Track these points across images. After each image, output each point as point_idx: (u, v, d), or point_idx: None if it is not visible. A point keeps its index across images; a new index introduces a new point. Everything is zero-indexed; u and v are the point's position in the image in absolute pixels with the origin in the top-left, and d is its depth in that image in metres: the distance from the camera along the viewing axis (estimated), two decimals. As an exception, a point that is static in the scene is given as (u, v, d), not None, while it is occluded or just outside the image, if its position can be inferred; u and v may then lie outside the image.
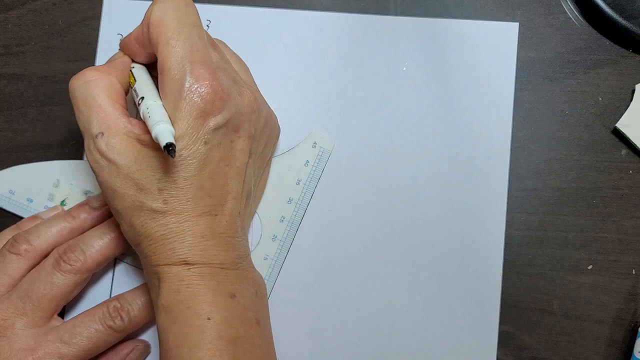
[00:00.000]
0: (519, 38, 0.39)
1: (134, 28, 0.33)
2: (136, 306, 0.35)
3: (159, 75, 0.30)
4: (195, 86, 0.29)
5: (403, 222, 0.38)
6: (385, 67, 0.39)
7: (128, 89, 0.33)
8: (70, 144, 0.40)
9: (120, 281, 0.38)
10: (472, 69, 0.39)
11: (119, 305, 0.34)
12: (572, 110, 0.39)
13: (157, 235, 0.30)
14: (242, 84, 0.32)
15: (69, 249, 0.34)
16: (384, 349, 0.37)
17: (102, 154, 0.30)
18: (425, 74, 0.39)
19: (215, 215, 0.31)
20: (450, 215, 0.38)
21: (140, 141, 0.30)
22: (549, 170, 0.38)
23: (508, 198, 0.38)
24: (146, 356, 0.37)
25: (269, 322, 0.33)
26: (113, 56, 0.35)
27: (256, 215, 0.38)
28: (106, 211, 0.37)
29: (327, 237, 0.38)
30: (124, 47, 0.34)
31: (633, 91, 0.38)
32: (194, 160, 0.30)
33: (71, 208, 0.37)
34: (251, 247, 0.37)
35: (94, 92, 0.31)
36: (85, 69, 0.32)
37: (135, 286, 0.36)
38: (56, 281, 0.33)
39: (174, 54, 0.29)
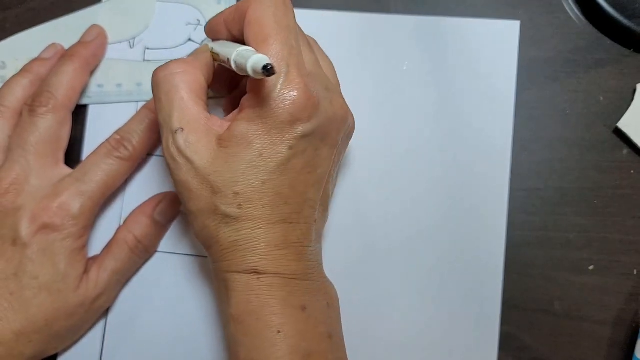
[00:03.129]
0: (520, 37, 0.39)
1: (224, 10, 0.32)
2: (136, 135, 0.36)
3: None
4: (288, 90, 0.28)
5: (403, 221, 0.38)
6: (386, 65, 0.39)
7: (210, 84, 0.33)
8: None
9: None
10: (473, 68, 0.39)
11: (119, 137, 0.36)
12: (573, 110, 0.39)
13: (229, 241, 0.30)
14: (333, 91, 0.32)
15: (37, 95, 0.35)
16: (384, 349, 0.37)
17: (180, 150, 0.29)
18: (425, 73, 0.39)
19: (291, 223, 0.30)
20: (450, 215, 0.38)
21: (219, 141, 0.29)
22: (550, 170, 0.38)
23: (509, 198, 0.37)
24: (179, 207, 0.38)
25: (342, 335, 0.32)
26: (197, 50, 0.34)
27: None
28: (58, 53, 0.38)
29: (325, 237, 0.38)
30: (211, 29, 0.33)
31: (634, 91, 0.38)
32: (274, 163, 0.29)
33: (25, 65, 0.38)
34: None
35: (178, 85, 0.30)
36: (171, 61, 0.31)
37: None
38: (40, 125, 0.35)
39: (271, 54, 0.29)
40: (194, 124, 0.30)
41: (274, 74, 0.26)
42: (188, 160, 0.29)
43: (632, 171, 0.38)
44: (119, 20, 0.40)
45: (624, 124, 0.38)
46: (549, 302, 0.37)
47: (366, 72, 0.39)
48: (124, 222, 0.37)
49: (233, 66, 0.29)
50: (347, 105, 0.33)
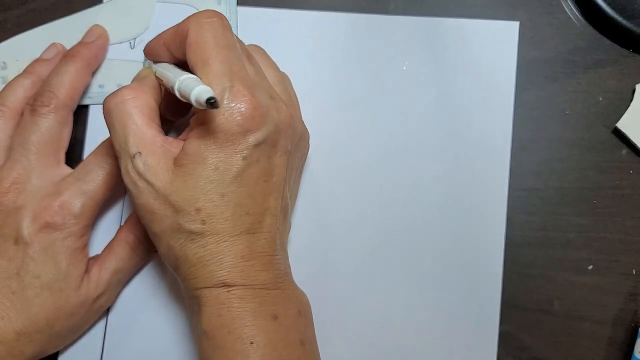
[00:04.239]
0: (519, 37, 0.39)
1: (162, 31, 0.33)
2: None
3: (198, 75, 0.30)
4: (234, 103, 0.29)
5: (403, 221, 0.38)
6: (385, 66, 0.39)
7: (161, 107, 0.33)
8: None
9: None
10: (473, 68, 0.39)
11: None
12: (572, 110, 0.39)
13: (196, 258, 0.30)
14: (278, 99, 0.32)
15: (38, 95, 0.35)
16: (384, 350, 0.37)
17: (140, 174, 0.30)
18: (425, 74, 0.39)
19: (254, 233, 0.30)
20: (450, 215, 0.38)
21: (175, 160, 0.30)
22: (550, 170, 0.38)
23: (508, 198, 0.38)
24: None
25: (315, 342, 0.33)
26: (140, 73, 0.34)
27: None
28: (59, 53, 0.38)
29: (325, 237, 0.38)
30: (150, 50, 0.34)
31: (633, 91, 0.38)
32: (230, 175, 0.29)
33: (27, 66, 0.38)
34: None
35: (131, 111, 0.31)
36: (120, 88, 0.32)
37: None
38: (41, 125, 0.35)
39: (213, 72, 0.29)
40: (150, 146, 0.30)
41: (217, 107, 0.27)
42: (148, 183, 0.30)
43: (631, 171, 0.38)
44: (120, 21, 0.40)
45: (623, 124, 0.38)
46: (549, 302, 0.37)
47: (366, 73, 0.39)
48: (125, 221, 0.37)
49: (177, 94, 0.29)
50: (294, 114, 0.33)
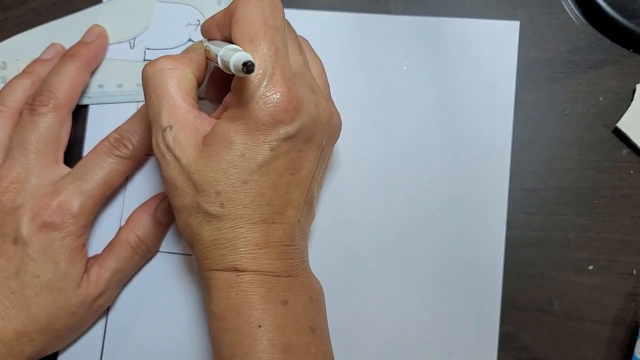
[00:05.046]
0: (519, 37, 0.39)
1: (218, 12, 0.32)
2: (136, 134, 0.36)
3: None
4: (271, 93, 0.28)
5: (403, 221, 0.38)
6: (386, 66, 0.39)
7: (202, 82, 0.33)
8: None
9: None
10: (473, 68, 0.39)
11: (118, 136, 0.36)
12: (572, 110, 0.39)
13: (210, 240, 0.30)
14: (319, 93, 0.32)
15: (36, 95, 0.36)
16: (384, 349, 0.37)
17: (169, 148, 0.30)
18: (425, 73, 0.39)
19: (272, 223, 0.30)
20: (450, 215, 0.38)
21: (204, 139, 0.30)
22: (550, 170, 0.38)
23: (509, 198, 0.38)
24: None
25: (327, 329, 0.33)
26: (191, 46, 0.34)
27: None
28: (59, 53, 0.38)
29: (325, 237, 0.38)
30: (204, 31, 0.33)
31: (634, 91, 0.38)
32: (255, 163, 0.29)
33: (26, 66, 0.38)
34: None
35: (167, 82, 0.30)
36: (161, 57, 0.31)
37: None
38: (40, 124, 0.35)
39: (258, 53, 0.29)
40: (182, 122, 0.30)
41: (252, 71, 0.26)
42: (175, 157, 0.30)
43: (631, 171, 0.38)
44: (120, 21, 0.40)
45: (623, 124, 0.38)
46: (549, 302, 0.37)
47: (366, 73, 0.39)
48: (126, 221, 0.37)
49: (220, 63, 0.29)
50: (333, 106, 0.33)
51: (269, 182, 0.30)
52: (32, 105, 0.35)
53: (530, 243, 0.38)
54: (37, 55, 0.39)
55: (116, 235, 0.37)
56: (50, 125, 0.35)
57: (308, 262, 0.33)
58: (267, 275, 0.30)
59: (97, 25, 0.39)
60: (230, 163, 0.29)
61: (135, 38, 0.40)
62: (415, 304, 0.37)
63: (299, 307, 0.30)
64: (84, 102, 0.39)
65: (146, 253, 0.37)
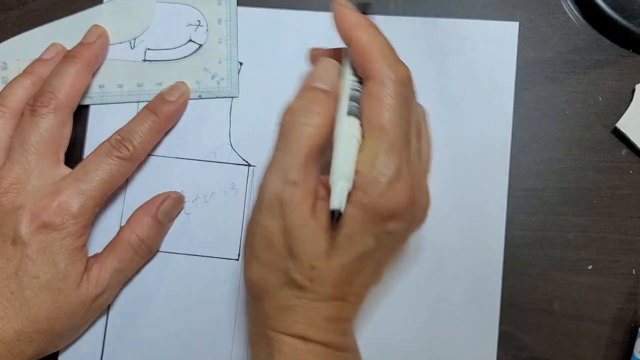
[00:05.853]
0: (519, 38, 0.39)
1: (343, 47, 0.31)
2: (137, 135, 0.36)
3: (366, 135, 0.29)
4: (394, 192, 0.28)
5: (403, 222, 0.38)
6: (385, 67, 0.39)
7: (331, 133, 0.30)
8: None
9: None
10: (472, 69, 0.39)
11: (119, 137, 0.36)
12: (572, 110, 0.39)
13: (287, 304, 0.29)
14: (425, 186, 0.31)
15: (37, 96, 0.36)
16: (384, 349, 0.37)
17: (282, 202, 0.28)
18: (425, 74, 0.39)
19: (348, 301, 0.30)
20: (449, 215, 0.38)
21: (314, 207, 0.28)
22: (549, 170, 0.38)
23: (508, 198, 0.38)
24: (181, 207, 0.39)
25: None
26: (324, 68, 0.32)
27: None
28: (60, 53, 0.39)
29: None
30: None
31: (633, 91, 0.38)
32: (358, 251, 0.28)
33: (27, 67, 0.38)
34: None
35: (307, 141, 0.29)
36: (300, 100, 0.30)
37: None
38: (41, 125, 0.35)
39: (387, 142, 0.28)
40: (306, 184, 0.29)
41: (334, 223, 0.27)
42: (283, 215, 0.28)
43: (630, 171, 0.38)
44: (120, 21, 0.40)
45: (622, 124, 0.38)
46: (548, 302, 0.37)
47: (366, 73, 0.39)
48: (127, 221, 0.37)
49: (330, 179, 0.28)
50: (429, 191, 0.32)
51: (360, 267, 0.29)
52: (33, 106, 0.35)
53: (530, 243, 0.38)
54: (37, 56, 0.39)
55: (117, 235, 0.37)
56: (51, 126, 0.35)
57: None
58: (330, 348, 0.29)
59: (97, 25, 0.39)
60: (332, 241, 0.28)
61: (135, 38, 0.40)
62: (415, 303, 0.37)
63: None
64: (85, 102, 0.39)
65: (147, 253, 0.37)
